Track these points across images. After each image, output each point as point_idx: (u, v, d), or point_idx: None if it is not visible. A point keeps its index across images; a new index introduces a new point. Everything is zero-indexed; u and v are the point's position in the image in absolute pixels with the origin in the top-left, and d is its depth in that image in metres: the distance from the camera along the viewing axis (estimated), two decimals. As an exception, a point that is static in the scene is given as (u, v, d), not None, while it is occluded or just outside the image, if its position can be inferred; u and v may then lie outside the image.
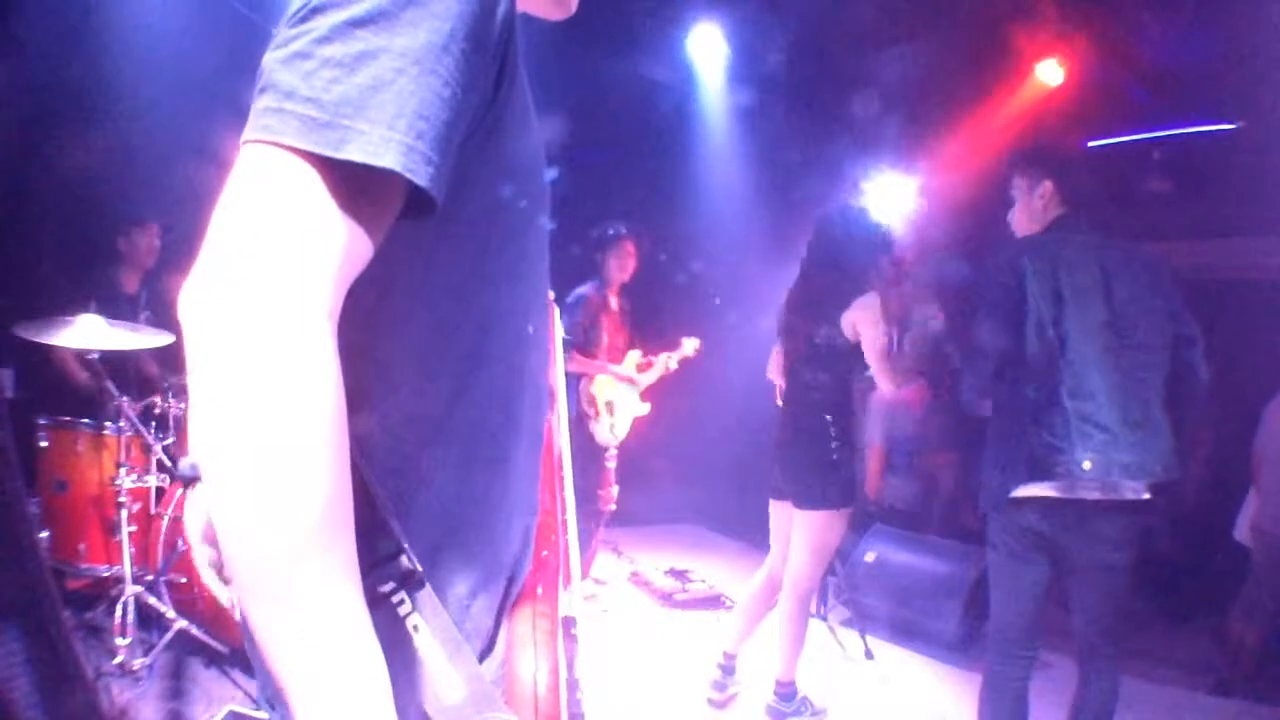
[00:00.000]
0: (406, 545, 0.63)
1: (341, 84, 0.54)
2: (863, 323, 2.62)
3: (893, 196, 5.84)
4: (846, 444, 2.72)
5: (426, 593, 0.63)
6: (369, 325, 0.65)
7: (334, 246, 0.54)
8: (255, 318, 0.50)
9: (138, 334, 2.85)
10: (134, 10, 3.65)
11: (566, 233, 5.27)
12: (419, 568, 0.63)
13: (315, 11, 0.56)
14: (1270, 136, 4.09)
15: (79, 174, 3.54)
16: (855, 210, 2.84)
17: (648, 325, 4.18)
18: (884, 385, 2.65)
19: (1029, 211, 2.28)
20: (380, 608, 0.60)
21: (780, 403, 2.99)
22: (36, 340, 2.71)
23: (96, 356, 2.77)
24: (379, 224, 0.58)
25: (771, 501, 2.94)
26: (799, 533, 2.76)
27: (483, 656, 0.72)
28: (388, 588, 0.62)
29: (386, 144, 0.54)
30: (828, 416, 2.71)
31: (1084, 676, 2.22)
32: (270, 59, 0.56)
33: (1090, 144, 5.25)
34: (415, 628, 0.62)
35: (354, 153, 0.53)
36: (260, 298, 0.50)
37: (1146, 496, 2.07)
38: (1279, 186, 4.05)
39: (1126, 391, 2.06)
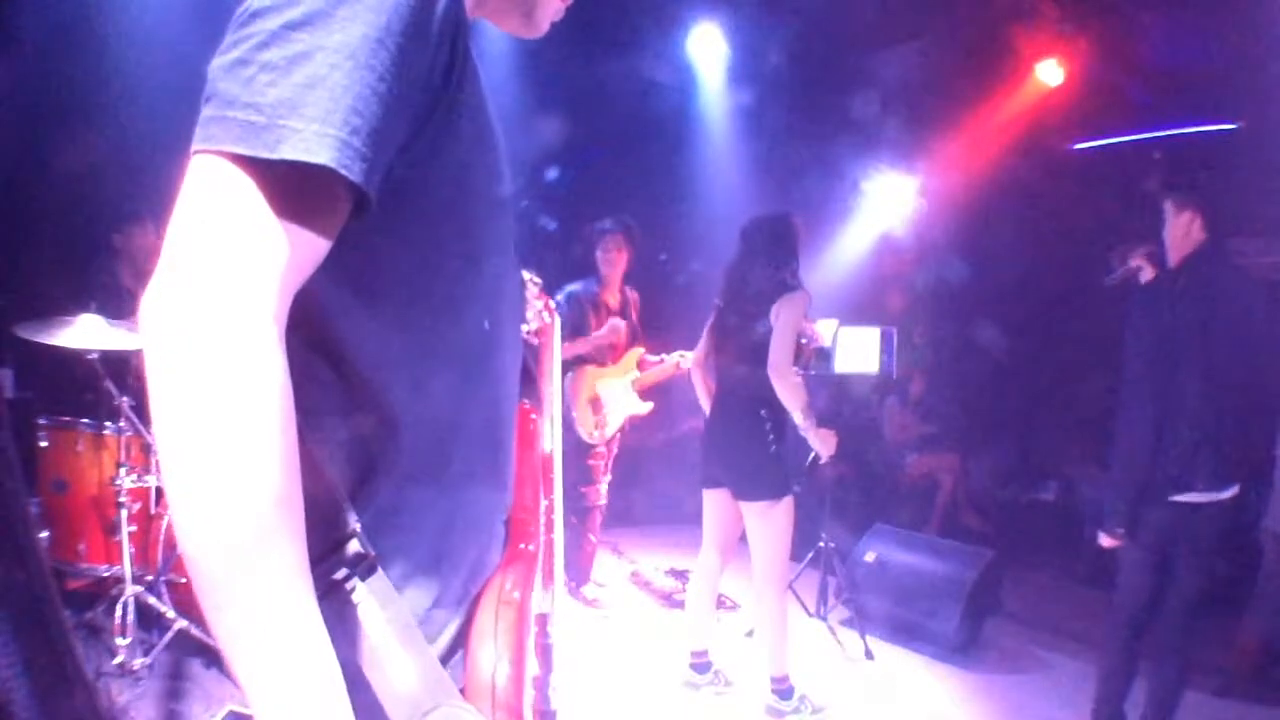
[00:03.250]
0: (358, 529, 0.63)
1: (277, 86, 0.54)
2: (784, 309, 2.76)
3: (893, 196, 5.85)
4: (781, 437, 2.84)
5: (379, 578, 0.63)
6: (324, 322, 0.66)
7: (277, 251, 0.55)
8: (201, 327, 0.51)
9: (138, 334, 2.84)
10: (132, 7, 3.65)
11: (567, 232, 5.28)
12: (371, 552, 0.63)
13: (255, 16, 0.57)
14: (1270, 136, 4.09)
15: (79, 173, 3.53)
16: (785, 214, 3.01)
17: (647, 325, 4.17)
18: (772, 367, 2.73)
19: (1172, 238, 2.51)
20: (333, 594, 0.61)
21: (704, 398, 3.14)
22: (36, 340, 2.71)
23: (96, 357, 2.77)
24: (326, 222, 0.58)
25: (705, 491, 3.05)
26: (753, 527, 2.87)
27: (444, 657, 0.72)
28: (340, 574, 0.62)
29: (320, 140, 0.54)
30: (763, 411, 2.81)
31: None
32: (215, 66, 0.57)
33: (1086, 145, 5.26)
34: (368, 613, 0.62)
35: (288, 151, 0.54)
36: (205, 306, 0.51)
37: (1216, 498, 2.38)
38: (1279, 186, 4.04)
39: (1205, 411, 2.36)
